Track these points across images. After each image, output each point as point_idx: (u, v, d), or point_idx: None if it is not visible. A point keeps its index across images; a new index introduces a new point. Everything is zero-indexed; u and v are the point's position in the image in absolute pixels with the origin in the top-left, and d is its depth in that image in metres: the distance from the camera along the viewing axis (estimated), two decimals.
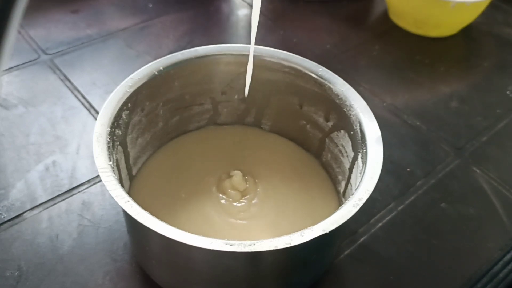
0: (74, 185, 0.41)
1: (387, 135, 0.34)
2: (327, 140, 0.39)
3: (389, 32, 0.62)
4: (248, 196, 0.38)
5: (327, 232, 0.27)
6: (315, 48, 0.58)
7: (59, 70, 0.52)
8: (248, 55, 0.39)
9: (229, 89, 0.41)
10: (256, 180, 0.39)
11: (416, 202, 0.42)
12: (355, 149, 0.35)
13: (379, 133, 0.33)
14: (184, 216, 0.36)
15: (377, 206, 0.42)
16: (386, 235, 0.40)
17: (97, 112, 0.47)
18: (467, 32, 0.62)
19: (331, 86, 0.36)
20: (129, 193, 0.32)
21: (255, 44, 0.35)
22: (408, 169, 0.45)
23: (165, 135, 0.41)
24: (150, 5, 0.63)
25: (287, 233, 0.27)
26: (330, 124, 0.38)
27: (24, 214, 0.39)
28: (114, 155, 0.32)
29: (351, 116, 0.35)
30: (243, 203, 0.37)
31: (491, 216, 0.42)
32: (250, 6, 0.64)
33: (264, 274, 0.31)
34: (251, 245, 0.26)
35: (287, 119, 0.42)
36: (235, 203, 0.37)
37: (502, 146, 0.48)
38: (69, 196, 0.40)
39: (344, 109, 0.35)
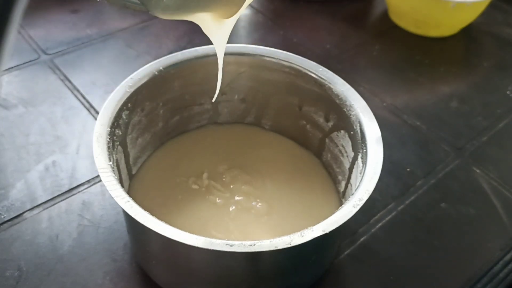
0: (74, 185, 0.41)
1: (387, 135, 0.34)
2: (327, 140, 0.39)
3: (389, 32, 0.62)
4: (247, 194, 0.38)
5: (327, 232, 0.27)
6: (315, 48, 0.58)
7: (59, 70, 0.52)
8: (249, 55, 0.39)
9: (229, 89, 0.41)
10: (256, 180, 0.39)
11: (416, 202, 0.42)
12: (355, 149, 0.35)
13: (379, 133, 0.33)
14: (184, 215, 0.36)
15: (377, 206, 0.42)
16: (386, 235, 0.40)
17: (97, 112, 0.47)
18: (467, 32, 0.62)
19: (331, 86, 0.36)
20: (128, 192, 0.32)
21: (255, 44, 0.35)
22: (408, 169, 0.45)
23: (165, 135, 0.41)
24: None
25: (287, 233, 0.27)
26: (330, 124, 0.38)
27: (24, 214, 0.39)
28: (114, 155, 0.32)
29: (351, 116, 0.35)
30: (243, 203, 0.37)
31: (491, 216, 0.42)
32: (250, 6, 0.64)
33: (264, 274, 0.31)
34: (251, 245, 0.26)
35: (287, 119, 0.42)
36: (234, 203, 0.37)
37: (502, 146, 0.48)
38: (69, 196, 0.40)
39: (344, 109, 0.35)
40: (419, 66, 0.57)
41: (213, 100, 0.34)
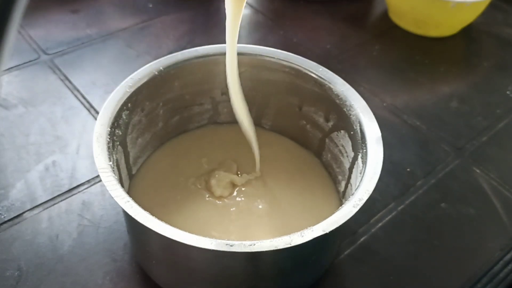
0: (74, 185, 0.41)
1: (387, 135, 0.34)
2: (327, 140, 0.39)
3: (389, 32, 0.62)
4: (247, 194, 0.38)
5: (327, 232, 0.27)
6: (315, 48, 0.58)
7: (59, 70, 0.52)
8: (249, 55, 0.39)
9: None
10: (256, 179, 0.39)
11: (416, 202, 0.42)
12: (355, 149, 0.35)
13: (379, 133, 0.33)
14: (184, 216, 0.36)
15: (377, 206, 0.42)
16: (386, 235, 0.40)
17: (97, 112, 0.47)
18: (467, 32, 0.62)
19: (331, 86, 0.36)
20: (128, 192, 0.32)
21: (255, 44, 0.35)
22: (408, 169, 0.45)
23: (165, 135, 0.41)
24: (150, 5, 0.63)
25: (287, 233, 0.27)
26: (330, 124, 0.38)
27: (24, 214, 0.39)
28: (114, 155, 0.32)
29: (351, 116, 0.35)
30: (243, 203, 0.37)
31: (491, 216, 0.42)
32: (250, 6, 0.64)
33: (264, 274, 0.31)
34: (251, 245, 0.26)
35: (287, 119, 0.42)
36: (234, 203, 0.37)
37: (502, 146, 0.48)
38: (69, 196, 0.40)
39: (344, 109, 0.35)
40: (419, 66, 0.57)
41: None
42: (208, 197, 0.38)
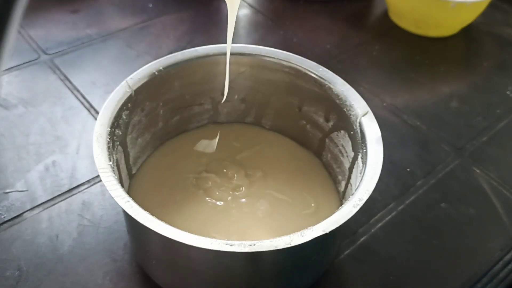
0: (74, 185, 0.41)
1: (387, 135, 0.34)
2: (327, 140, 0.39)
3: (389, 32, 0.62)
4: (247, 194, 0.38)
5: (327, 232, 0.27)
6: (315, 48, 0.58)
7: (59, 70, 0.52)
8: (249, 55, 0.39)
9: (229, 89, 0.41)
10: (256, 179, 0.39)
11: (416, 202, 0.42)
12: (355, 149, 0.35)
13: (379, 133, 0.33)
14: (184, 215, 0.36)
15: (377, 206, 0.42)
16: (386, 235, 0.40)
17: (97, 112, 0.47)
18: (467, 32, 0.62)
19: (331, 86, 0.36)
20: (128, 192, 0.32)
21: (255, 44, 0.35)
22: (408, 169, 0.45)
23: (165, 135, 0.41)
24: (150, 5, 0.63)
25: (287, 233, 0.27)
26: (330, 124, 0.38)
27: (24, 214, 0.39)
28: (114, 155, 0.32)
29: (351, 116, 0.35)
30: (243, 203, 0.37)
31: (491, 216, 0.42)
32: (250, 6, 0.65)
33: (264, 274, 0.31)
34: (251, 245, 0.26)
35: (287, 119, 0.42)
36: (234, 203, 0.37)
37: (502, 146, 0.48)
38: (69, 196, 0.40)
39: (344, 109, 0.35)
40: (419, 66, 0.57)
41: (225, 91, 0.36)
42: (207, 198, 0.38)
